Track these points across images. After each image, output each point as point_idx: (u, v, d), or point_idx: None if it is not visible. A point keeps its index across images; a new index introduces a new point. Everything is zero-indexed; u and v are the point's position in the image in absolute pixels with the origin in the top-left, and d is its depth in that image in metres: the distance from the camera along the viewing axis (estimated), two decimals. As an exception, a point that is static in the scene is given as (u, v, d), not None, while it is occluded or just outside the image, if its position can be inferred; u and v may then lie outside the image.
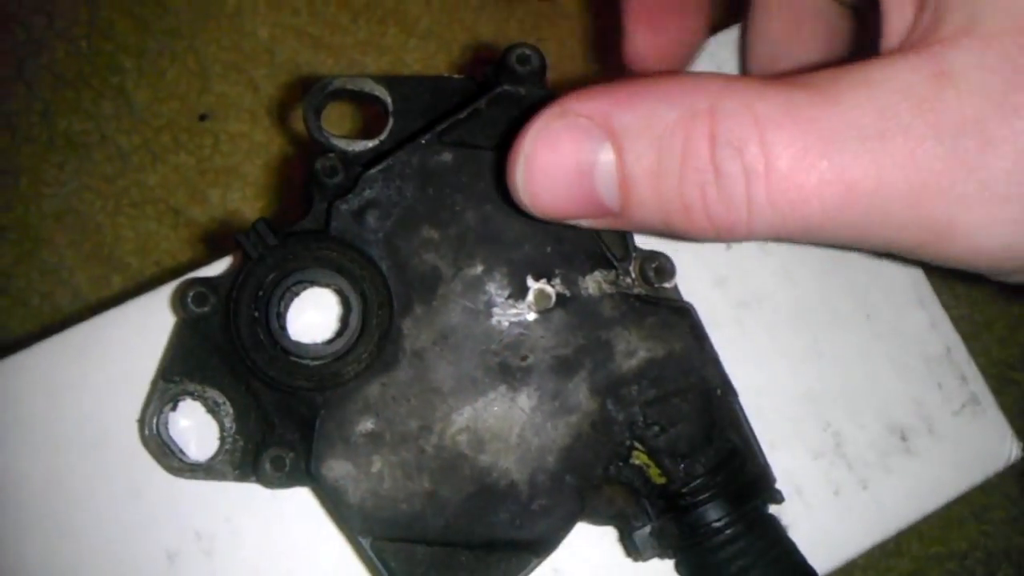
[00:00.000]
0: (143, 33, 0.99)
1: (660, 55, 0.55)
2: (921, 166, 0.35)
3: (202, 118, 0.98)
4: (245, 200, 0.97)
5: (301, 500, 0.53)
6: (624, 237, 0.51)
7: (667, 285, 0.51)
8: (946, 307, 0.60)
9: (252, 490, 0.53)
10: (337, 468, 0.47)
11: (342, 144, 0.50)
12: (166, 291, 0.56)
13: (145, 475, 0.53)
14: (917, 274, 0.60)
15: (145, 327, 0.55)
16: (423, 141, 0.49)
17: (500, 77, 0.50)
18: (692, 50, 0.57)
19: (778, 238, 0.39)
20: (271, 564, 0.53)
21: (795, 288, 0.59)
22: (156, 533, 0.53)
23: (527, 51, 0.49)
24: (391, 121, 0.51)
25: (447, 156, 0.49)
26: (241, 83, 0.99)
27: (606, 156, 0.39)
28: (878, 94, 0.36)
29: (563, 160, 0.40)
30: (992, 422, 0.59)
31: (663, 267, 0.50)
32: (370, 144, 0.50)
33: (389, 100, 0.51)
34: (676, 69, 0.56)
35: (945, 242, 0.37)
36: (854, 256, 0.59)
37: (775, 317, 0.57)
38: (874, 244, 0.39)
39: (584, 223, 0.43)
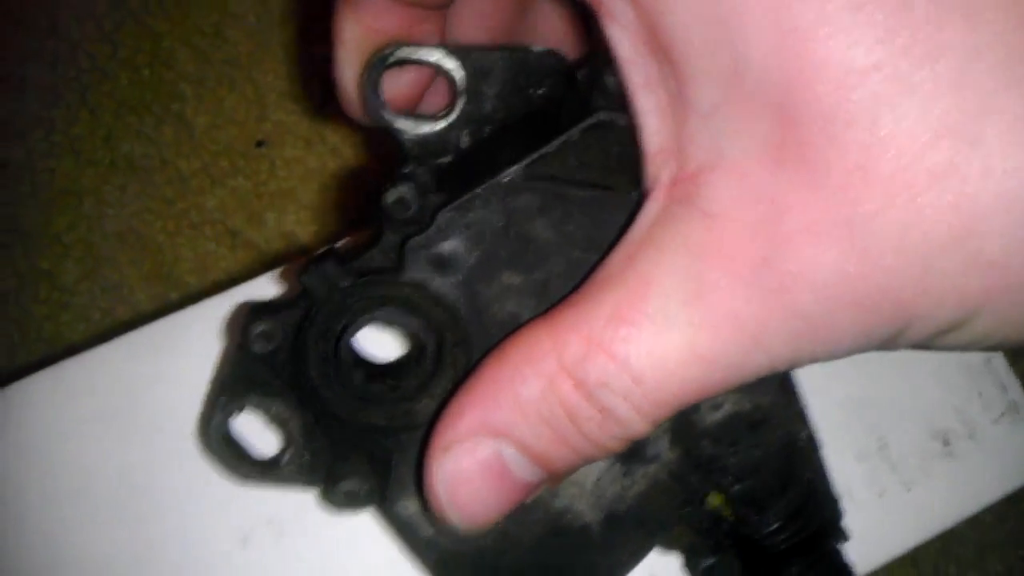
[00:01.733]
0: (203, 62, 1.03)
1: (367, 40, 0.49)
2: (743, 313, 0.36)
3: (259, 144, 1.02)
4: (300, 223, 1.00)
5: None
6: None
7: None
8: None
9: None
10: (411, 507, 0.47)
11: (405, 125, 0.46)
12: (237, 293, 0.59)
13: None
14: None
15: (217, 325, 0.58)
16: (506, 180, 0.44)
17: (592, 95, 0.44)
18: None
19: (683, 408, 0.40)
20: (341, 547, 0.55)
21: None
22: (229, 518, 0.55)
23: None
24: (462, 99, 0.47)
25: (533, 197, 0.44)
26: (296, 111, 1.03)
27: (509, 451, 0.40)
28: (670, 258, 0.37)
29: (478, 480, 0.41)
30: (1031, 429, 0.61)
31: None
32: (438, 126, 0.46)
33: (462, 74, 0.46)
34: None
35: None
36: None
37: None
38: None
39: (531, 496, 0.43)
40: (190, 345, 0.57)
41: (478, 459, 0.40)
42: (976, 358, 0.61)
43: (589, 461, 0.42)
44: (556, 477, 0.42)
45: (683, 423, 0.47)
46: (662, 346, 0.37)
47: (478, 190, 0.44)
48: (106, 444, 0.56)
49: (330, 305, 0.45)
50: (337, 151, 1.02)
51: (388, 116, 0.46)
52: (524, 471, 0.40)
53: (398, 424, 0.46)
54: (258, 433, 0.50)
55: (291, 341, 0.46)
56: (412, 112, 0.47)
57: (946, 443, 0.60)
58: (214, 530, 0.55)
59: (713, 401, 0.47)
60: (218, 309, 0.58)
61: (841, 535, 0.51)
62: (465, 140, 0.47)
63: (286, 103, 1.03)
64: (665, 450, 0.48)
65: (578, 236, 0.45)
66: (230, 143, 1.01)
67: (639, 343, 0.37)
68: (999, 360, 0.61)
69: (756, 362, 0.37)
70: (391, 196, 0.44)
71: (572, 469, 0.42)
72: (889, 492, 0.59)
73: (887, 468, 0.59)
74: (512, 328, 0.43)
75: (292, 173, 1.01)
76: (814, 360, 0.38)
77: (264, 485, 0.49)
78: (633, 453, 0.47)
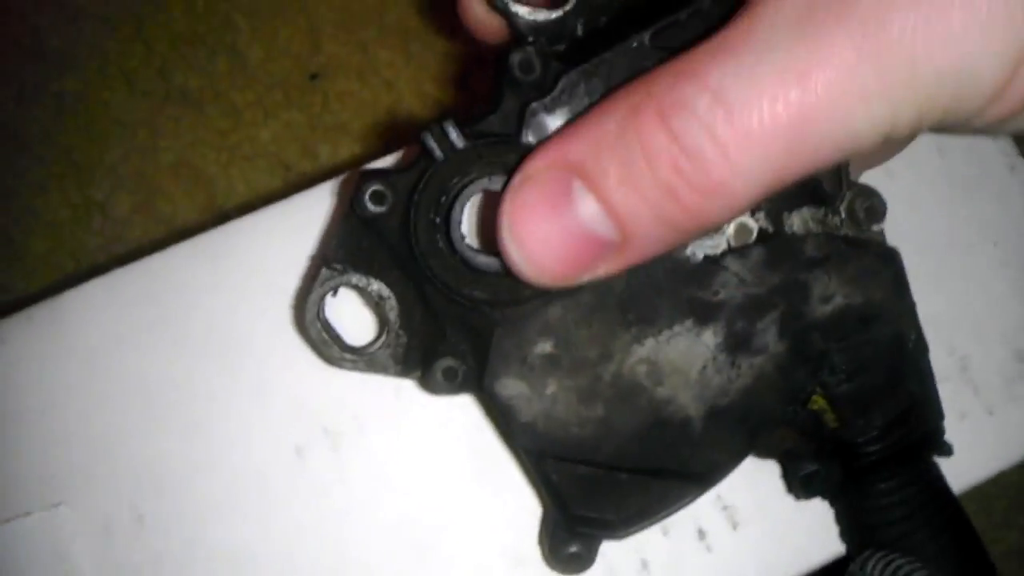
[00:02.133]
0: (257, -6, 1.01)
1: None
2: (851, 60, 0.33)
3: (313, 77, 1.00)
4: (353, 156, 0.98)
5: (424, 403, 0.54)
6: (839, 171, 0.48)
7: (876, 228, 0.48)
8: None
9: (378, 390, 0.54)
10: (511, 387, 0.45)
11: (523, 12, 0.44)
12: (298, 200, 0.57)
13: (275, 374, 0.55)
14: (1045, 202, 0.59)
15: (276, 236, 0.56)
16: (634, 45, 0.42)
17: None
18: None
19: (776, 178, 0.35)
20: (395, 460, 0.54)
21: (921, 213, 0.58)
22: (285, 429, 0.54)
23: None
24: None
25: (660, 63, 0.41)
26: (350, 43, 1.01)
27: (579, 191, 0.37)
28: (780, 5, 0.34)
29: (546, 220, 0.38)
30: (1121, 352, 0.58)
31: (875, 207, 0.48)
32: (553, 15, 0.44)
33: None
34: None
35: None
36: (980, 183, 0.59)
37: (900, 241, 0.56)
38: (865, 136, 0.35)
39: (601, 271, 0.39)
40: (245, 255, 0.56)
41: (545, 189, 0.38)
42: (1064, 277, 0.58)
43: (664, 228, 0.37)
44: (629, 247, 0.38)
45: (792, 314, 0.46)
46: (761, 73, 0.33)
47: (605, 55, 0.42)
48: (162, 352, 0.54)
49: (447, 167, 0.44)
50: (391, 84, 1.00)
51: (505, 2, 0.44)
52: (590, 214, 0.37)
53: (502, 299, 0.44)
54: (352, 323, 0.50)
55: (403, 205, 0.45)
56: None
57: (1031, 365, 0.57)
58: (269, 440, 0.53)
59: (825, 292, 0.46)
60: (271, 221, 0.57)
61: (944, 448, 0.49)
62: (580, 29, 0.45)
63: (340, 35, 1.01)
64: (773, 341, 0.46)
65: None
66: (284, 76, 1.00)
67: (737, 68, 0.34)
68: (1089, 278, 0.59)
69: (856, 117, 0.33)
70: (516, 57, 0.43)
71: (646, 238, 0.37)
72: (971, 415, 0.56)
73: (969, 391, 0.56)
74: None
75: (345, 106, 0.99)
76: (908, 126, 0.34)
77: (355, 369, 0.48)
78: (739, 343, 0.46)
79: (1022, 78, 0.33)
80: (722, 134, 0.34)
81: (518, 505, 0.53)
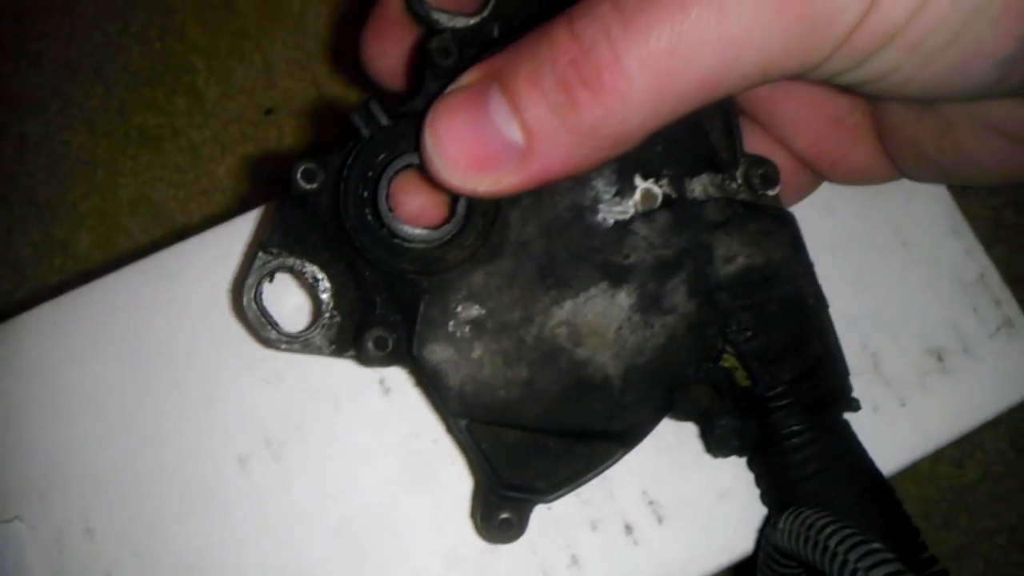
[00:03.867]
0: (213, 35, 1.04)
1: (395, 67, 0.52)
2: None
3: (267, 112, 1.03)
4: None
5: (362, 412, 0.57)
6: (733, 142, 0.51)
7: (771, 193, 0.51)
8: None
9: (318, 401, 0.57)
10: (439, 352, 0.48)
11: (443, 19, 0.48)
12: (240, 223, 0.60)
13: (219, 388, 0.57)
14: (950, 204, 0.62)
15: (221, 255, 0.59)
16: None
17: None
18: None
19: (667, 91, 0.38)
20: (336, 469, 0.56)
21: (835, 219, 0.61)
22: (229, 439, 0.56)
23: None
24: None
25: None
26: (304, 79, 1.05)
27: (495, 92, 0.40)
28: None
29: (461, 119, 0.40)
30: (1027, 344, 0.61)
31: (768, 174, 0.51)
32: (472, 21, 0.48)
33: None
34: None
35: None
36: (890, 189, 0.62)
37: (815, 243, 0.58)
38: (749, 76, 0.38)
39: (505, 180, 0.41)
40: (191, 274, 0.58)
41: (467, 93, 0.40)
42: (971, 273, 0.61)
43: (563, 134, 0.39)
44: (530, 151, 0.40)
45: (699, 274, 0.49)
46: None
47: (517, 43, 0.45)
48: (111, 370, 0.57)
49: (373, 144, 0.46)
50: (343, 117, 1.03)
51: (424, 8, 0.48)
52: (499, 113, 0.39)
53: (428, 268, 0.47)
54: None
55: (333, 183, 0.47)
56: (449, 8, 0.49)
57: (940, 359, 0.59)
58: (214, 451, 0.55)
59: (727, 253, 0.49)
60: (220, 239, 0.59)
61: (851, 403, 0.52)
62: (496, 31, 0.48)
63: (294, 71, 1.04)
64: (683, 300, 0.49)
65: None
66: (240, 112, 1.03)
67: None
68: (993, 275, 0.61)
69: (735, 28, 0.36)
70: (435, 43, 0.46)
71: (546, 144, 0.39)
72: (883, 408, 0.58)
73: (881, 383, 0.59)
74: None
75: (300, 139, 1.03)
76: (779, 57, 0.37)
77: (291, 351, 0.50)
78: (651, 303, 0.48)
79: (878, 11, 0.35)
80: (616, 36, 0.36)
81: (452, 507, 0.55)
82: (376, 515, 0.56)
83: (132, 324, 0.58)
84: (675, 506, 0.56)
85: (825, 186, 0.61)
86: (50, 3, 1.04)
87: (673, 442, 0.57)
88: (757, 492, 0.55)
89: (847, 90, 0.43)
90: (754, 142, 0.54)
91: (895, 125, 0.52)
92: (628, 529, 0.56)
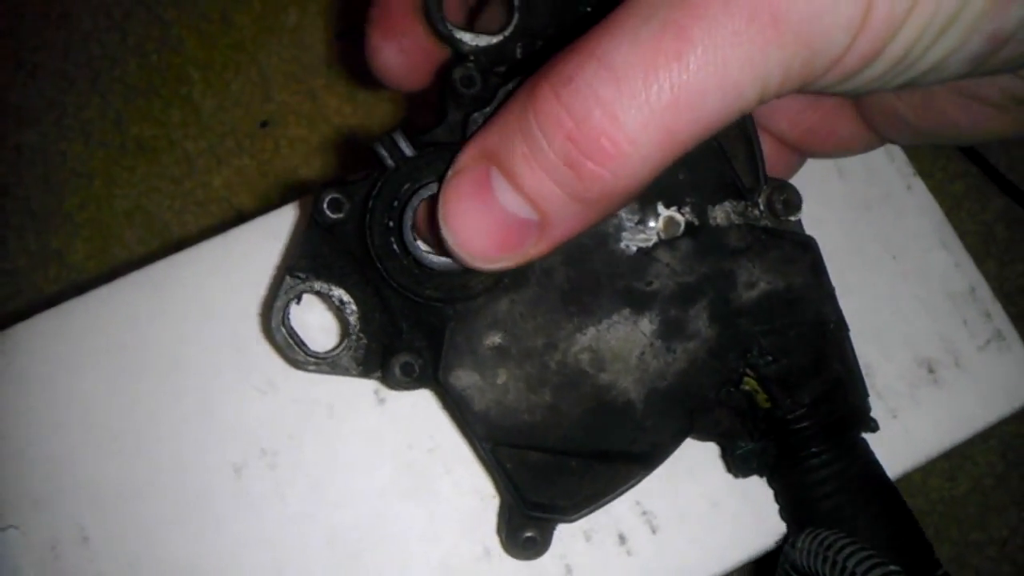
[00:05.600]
0: (210, 47, 1.05)
1: (408, 65, 0.51)
2: (722, 22, 0.34)
3: (263, 124, 1.04)
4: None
5: (360, 420, 0.57)
6: (756, 167, 0.51)
7: (792, 218, 0.51)
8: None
9: (314, 410, 0.57)
10: (464, 378, 0.48)
11: (467, 39, 0.48)
12: (237, 234, 0.60)
13: (214, 398, 0.57)
14: (940, 218, 0.63)
15: (219, 266, 0.59)
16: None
17: None
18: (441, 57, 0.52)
19: (668, 138, 0.37)
20: (330, 479, 0.56)
21: (824, 232, 0.61)
22: (224, 449, 0.56)
23: None
24: (516, 14, 0.48)
25: None
26: (300, 92, 1.05)
27: (496, 177, 0.39)
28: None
29: (473, 208, 0.40)
30: (1017, 357, 0.61)
31: (791, 200, 0.51)
32: (494, 40, 0.48)
33: None
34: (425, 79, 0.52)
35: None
36: (879, 202, 0.63)
37: None
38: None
39: (532, 251, 0.41)
40: (189, 285, 0.59)
41: (470, 178, 0.40)
42: (961, 286, 0.62)
43: (574, 203, 0.39)
44: (547, 224, 0.40)
45: (720, 300, 0.49)
46: (643, 36, 0.35)
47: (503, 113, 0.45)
48: (108, 379, 0.57)
49: (397, 174, 0.47)
50: (340, 130, 1.04)
51: (449, 28, 0.48)
52: (508, 198, 0.39)
53: (453, 295, 0.48)
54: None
55: (359, 212, 0.48)
56: (471, 27, 0.50)
57: (931, 371, 0.60)
58: (209, 460, 0.56)
59: (749, 279, 0.50)
60: (215, 251, 0.60)
61: (870, 424, 0.52)
62: (519, 52, 0.49)
63: (290, 84, 1.05)
64: (705, 326, 0.49)
65: None
66: (236, 124, 1.04)
67: (622, 35, 0.35)
68: (984, 288, 0.62)
69: (733, 66, 0.35)
70: (458, 72, 0.46)
71: (558, 215, 0.39)
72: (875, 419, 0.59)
73: (873, 395, 0.59)
74: None
75: (295, 152, 1.03)
76: (779, 78, 0.36)
77: (319, 371, 0.51)
78: (673, 329, 0.49)
79: (872, 23, 0.35)
80: (608, 96, 0.35)
81: (446, 517, 0.56)
82: (370, 525, 0.56)
83: (127, 335, 0.58)
84: (668, 517, 0.57)
85: (816, 200, 0.61)
86: (47, 16, 1.05)
87: (666, 453, 0.57)
88: (748, 503, 0.56)
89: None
90: None
91: (875, 101, 0.52)
92: (622, 539, 0.56)
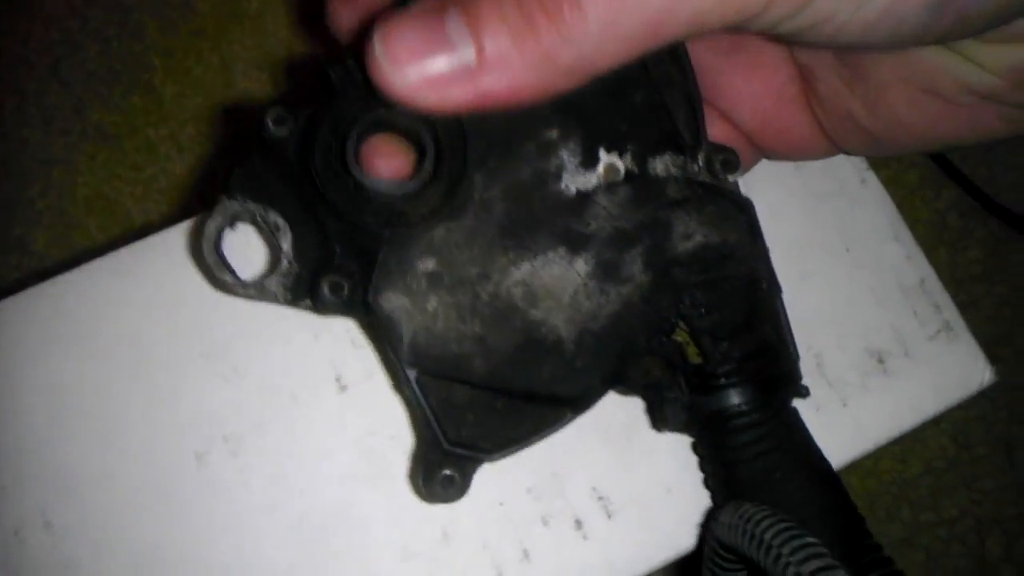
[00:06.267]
0: (171, 33, 1.05)
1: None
2: None
3: (225, 112, 1.04)
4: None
5: (323, 407, 0.58)
6: (697, 127, 0.52)
7: (731, 178, 0.53)
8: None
9: (277, 396, 0.58)
10: (394, 300, 0.48)
11: None
12: (201, 221, 0.61)
13: (177, 384, 0.57)
14: (893, 212, 0.64)
15: (180, 253, 0.60)
16: None
17: None
18: None
19: (629, 27, 0.40)
20: (293, 465, 0.57)
21: (780, 222, 0.63)
22: (187, 436, 0.57)
23: None
24: None
25: None
26: (262, 80, 1.05)
27: (454, 14, 0.40)
28: None
29: (414, 26, 0.41)
30: (965, 347, 0.63)
31: (729, 160, 0.52)
32: None
33: None
34: None
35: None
36: (834, 195, 0.64)
37: None
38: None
39: (451, 94, 0.42)
40: (152, 272, 0.59)
41: (423, 9, 0.41)
42: (911, 279, 0.63)
43: (517, 56, 0.40)
44: (481, 68, 0.41)
45: (656, 248, 0.50)
46: None
47: None
48: (71, 366, 0.57)
49: (346, 98, 0.47)
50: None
51: None
52: (458, 35, 0.40)
53: (391, 220, 0.48)
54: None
55: (302, 132, 0.48)
56: None
57: (881, 360, 0.62)
58: (172, 447, 0.56)
59: (685, 230, 0.51)
60: (179, 237, 0.60)
61: (799, 389, 0.53)
62: None
63: (252, 72, 1.05)
64: (639, 272, 0.50)
65: None
66: (197, 111, 1.04)
67: None
68: (934, 280, 0.63)
69: None
70: None
71: (497, 64, 0.41)
72: (825, 407, 0.60)
73: (824, 384, 0.61)
74: (507, 139, 0.49)
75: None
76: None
77: (246, 297, 0.51)
78: (608, 272, 0.50)
79: None
80: None
81: (407, 502, 0.57)
82: (333, 510, 0.57)
83: (92, 322, 0.58)
84: (624, 501, 0.58)
85: (772, 192, 0.63)
86: (7, 1, 1.04)
87: (622, 438, 0.58)
88: (702, 489, 0.56)
89: (787, 41, 0.45)
90: None
91: (827, 95, 0.53)
92: (578, 524, 0.57)
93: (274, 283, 0.51)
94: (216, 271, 0.50)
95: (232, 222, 0.50)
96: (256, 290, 0.50)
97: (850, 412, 0.61)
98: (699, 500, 0.57)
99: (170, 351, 0.58)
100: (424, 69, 0.41)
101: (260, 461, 0.57)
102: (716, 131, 0.56)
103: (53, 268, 0.96)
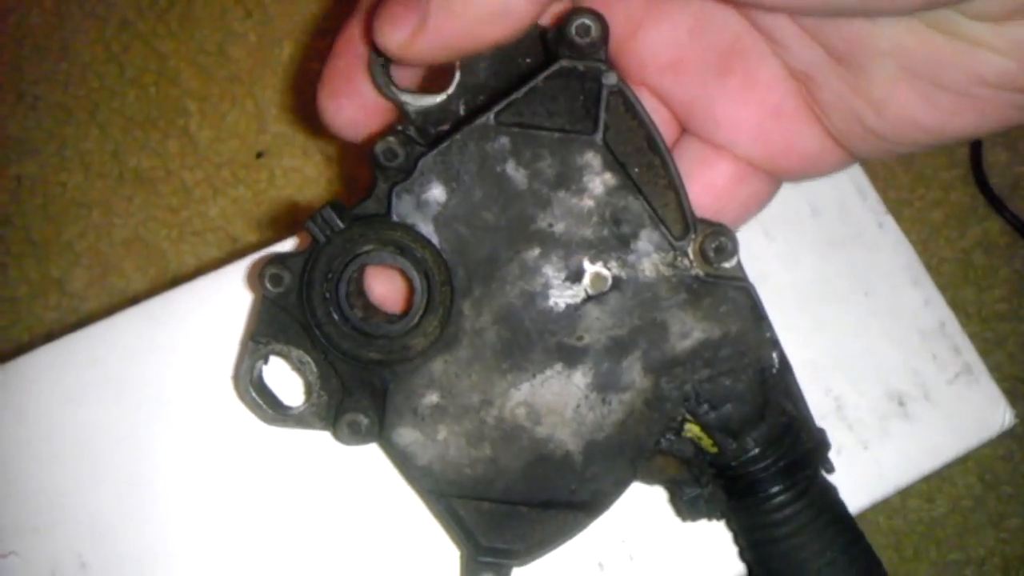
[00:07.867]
0: (206, 80, 1.07)
1: (359, 121, 0.53)
2: None
3: (259, 155, 1.06)
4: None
5: (351, 460, 0.59)
6: (684, 213, 0.51)
7: (727, 264, 0.51)
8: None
9: (307, 445, 0.59)
10: (406, 435, 0.51)
11: (409, 99, 0.50)
12: (231, 270, 0.62)
13: (208, 429, 0.59)
14: (911, 256, 0.65)
15: (215, 300, 0.61)
16: (478, 124, 0.49)
17: (559, 48, 0.48)
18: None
19: None
20: (321, 511, 0.58)
21: (797, 269, 0.64)
22: (217, 482, 0.58)
23: (587, 21, 0.47)
24: (458, 74, 0.51)
25: (504, 140, 0.49)
26: (294, 123, 1.08)
27: None
28: None
29: None
30: (985, 391, 0.63)
31: (723, 246, 0.50)
32: (438, 99, 0.50)
33: None
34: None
35: None
36: (851, 240, 0.65)
37: (779, 295, 0.61)
38: None
39: (412, 44, 0.45)
40: (185, 319, 0.61)
41: None
42: (930, 322, 0.64)
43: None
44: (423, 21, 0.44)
45: (653, 351, 0.51)
46: None
47: (456, 136, 0.49)
48: (105, 411, 0.59)
49: (330, 247, 0.50)
50: (333, 160, 1.06)
51: (393, 92, 0.50)
52: None
53: (394, 358, 0.50)
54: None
55: (298, 285, 0.51)
56: (414, 88, 0.52)
57: (901, 404, 0.62)
58: (202, 491, 0.58)
59: (682, 329, 0.51)
60: (210, 286, 0.62)
61: (826, 464, 0.54)
62: (462, 109, 0.51)
63: (285, 116, 1.08)
64: (639, 378, 0.51)
65: (547, 175, 0.49)
66: (232, 155, 1.06)
67: None
68: (953, 324, 0.64)
69: None
70: (380, 146, 0.49)
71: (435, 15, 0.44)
72: (846, 450, 0.61)
73: (844, 428, 0.61)
74: (489, 265, 0.50)
75: (290, 182, 1.06)
76: None
77: (287, 426, 0.55)
78: (607, 381, 0.51)
79: None
80: None
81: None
82: (354, 559, 0.58)
83: (125, 368, 0.60)
84: (644, 543, 0.59)
85: (789, 239, 0.64)
86: (47, 48, 1.07)
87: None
88: (723, 528, 0.57)
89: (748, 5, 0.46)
90: (694, 155, 0.54)
91: (830, 101, 0.51)
92: (600, 567, 0.58)
93: (308, 413, 0.54)
94: (256, 410, 0.54)
95: (265, 359, 0.54)
96: (295, 420, 0.54)
97: (871, 455, 0.62)
98: (720, 540, 0.58)
99: (201, 397, 0.60)
100: (389, 15, 0.45)
101: (291, 507, 0.58)
102: (721, 173, 0.54)
103: (89, 310, 0.99)
